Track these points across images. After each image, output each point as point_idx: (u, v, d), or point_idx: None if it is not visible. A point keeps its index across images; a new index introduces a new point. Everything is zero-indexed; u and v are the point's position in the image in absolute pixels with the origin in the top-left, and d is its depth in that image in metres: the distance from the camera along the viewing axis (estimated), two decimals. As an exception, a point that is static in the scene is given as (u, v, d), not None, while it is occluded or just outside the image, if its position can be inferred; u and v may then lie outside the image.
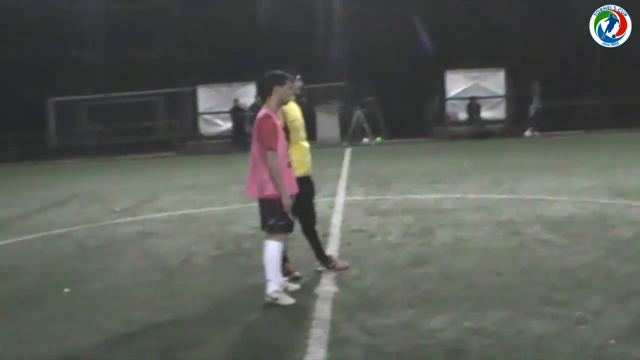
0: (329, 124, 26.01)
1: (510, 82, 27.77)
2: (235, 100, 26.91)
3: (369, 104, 26.82)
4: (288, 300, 6.07)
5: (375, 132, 26.49)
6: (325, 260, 7.12)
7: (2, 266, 8.45)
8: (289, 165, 6.26)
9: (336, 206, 11.21)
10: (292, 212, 6.25)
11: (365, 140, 26.24)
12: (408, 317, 5.56)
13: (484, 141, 24.65)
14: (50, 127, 29.85)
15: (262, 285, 6.22)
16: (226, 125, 28.32)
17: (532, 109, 25.66)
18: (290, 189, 6.20)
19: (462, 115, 27.79)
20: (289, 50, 25.56)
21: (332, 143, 25.26)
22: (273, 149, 6.02)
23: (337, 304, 6.03)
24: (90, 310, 6.30)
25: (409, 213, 10.35)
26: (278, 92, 6.22)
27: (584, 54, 26.21)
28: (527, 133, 25.64)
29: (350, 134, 26.33)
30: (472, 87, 27.95)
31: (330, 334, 5.26)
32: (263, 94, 6.56)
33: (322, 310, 5.86)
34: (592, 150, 19.37)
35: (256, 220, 6.57)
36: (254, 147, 6.14)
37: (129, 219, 11.46)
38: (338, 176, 15.51)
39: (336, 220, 9.96)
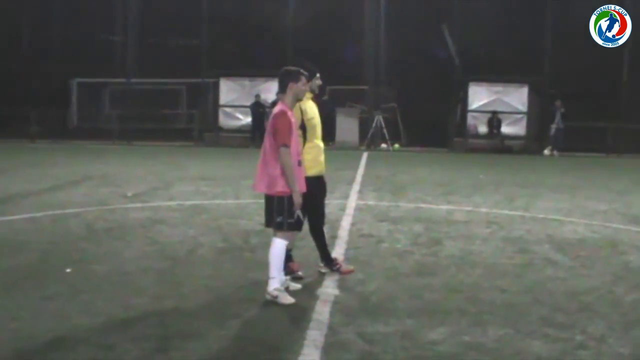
0: (348, 127, 26.02)
1: (533, 99, 27.62)
2: (257, 96, 26.84)
3: (390, 109, 26.80)
4: (288, 300, 6.05)
5: (394, 138, 26.45)
6: (330, 262, 7.08)
7: (10, 240, 8.47)
8: (300, 163, 6.23)
9: (347, 209, 11.19)
10: (301, 211, 6.23)
11: (384, 145, 26.20)
12: (407, 326, 5.51)
13: (502, 156, 24.54)
14: (72, 107, 30.02)
15: (264, 281, 6.19)
16: (246, 119, 28.33)
17: (553, 128, 25.50)
18: (300, 187, 6.17)
19: (483, 129, 27.70)
20: (316, 50, 25.57)
21: (350, 146, 25.25)
22: (287, 145, 6.00)
23: (337, 307, 5.99)
24: (92, 292, 6.29)
25: (419, 222, 10.31)
26: (292, 88, 6.21)
27: (608, 75, 26.03)
28: (546, 152, 25.51)
29: (368, 138, 26.30)
30: (495, 101, 27.88)
31: (327, 337, 5.22)
32: (280, 91, 6.55)
33: (322, 312, 5.83)
34: (610, 174, 19.19)
35: (265, 216, 6.54)
36: (267, 142, 6.12)
37: (139, 204, 11.50)
38: (352, 179, 15.49)
39: (346, 223, 9.93)
